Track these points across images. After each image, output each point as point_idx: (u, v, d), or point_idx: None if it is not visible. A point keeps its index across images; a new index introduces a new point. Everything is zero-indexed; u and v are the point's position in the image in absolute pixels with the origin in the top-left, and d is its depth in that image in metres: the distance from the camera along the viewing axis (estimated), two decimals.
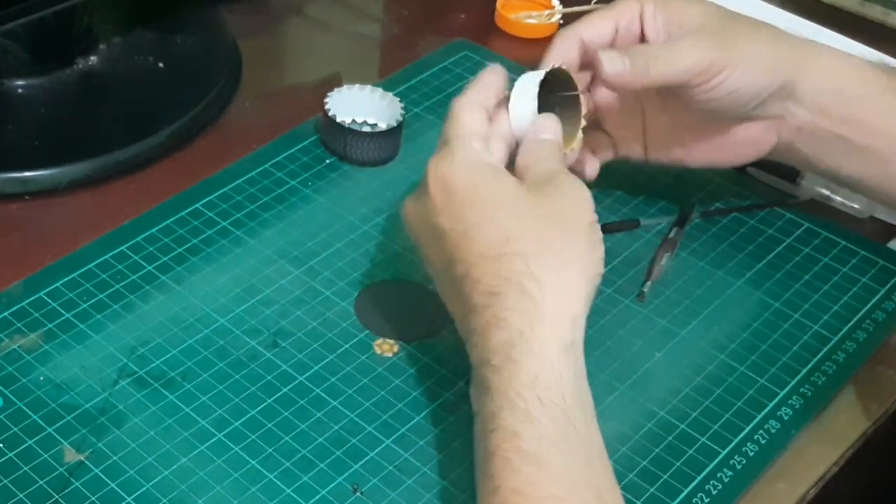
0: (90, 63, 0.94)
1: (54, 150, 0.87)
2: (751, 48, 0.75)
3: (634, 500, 0.68)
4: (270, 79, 1.00)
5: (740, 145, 0.80)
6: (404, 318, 0.78)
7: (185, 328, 0.76)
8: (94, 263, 0.79)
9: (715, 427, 0.73)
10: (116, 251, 0.80)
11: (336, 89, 0.90)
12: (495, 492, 0.61)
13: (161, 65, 0.95)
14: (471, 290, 0.66)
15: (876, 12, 1.10)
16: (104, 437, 0.69)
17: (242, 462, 0.69)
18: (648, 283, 0.81)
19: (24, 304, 0.76)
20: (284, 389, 0.73)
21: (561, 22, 1.04)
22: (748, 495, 0.71)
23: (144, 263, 0.80)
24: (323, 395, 0.73)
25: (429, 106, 0.95)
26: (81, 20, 0.94)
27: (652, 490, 0.69)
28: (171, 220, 0.83)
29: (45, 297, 0.77)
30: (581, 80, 0.77)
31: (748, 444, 0.72)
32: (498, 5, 1.05)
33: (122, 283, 0.78)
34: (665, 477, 0.70)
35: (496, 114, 0.73)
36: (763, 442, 0.73)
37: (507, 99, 0.73)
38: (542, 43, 1.02)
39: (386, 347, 0.76)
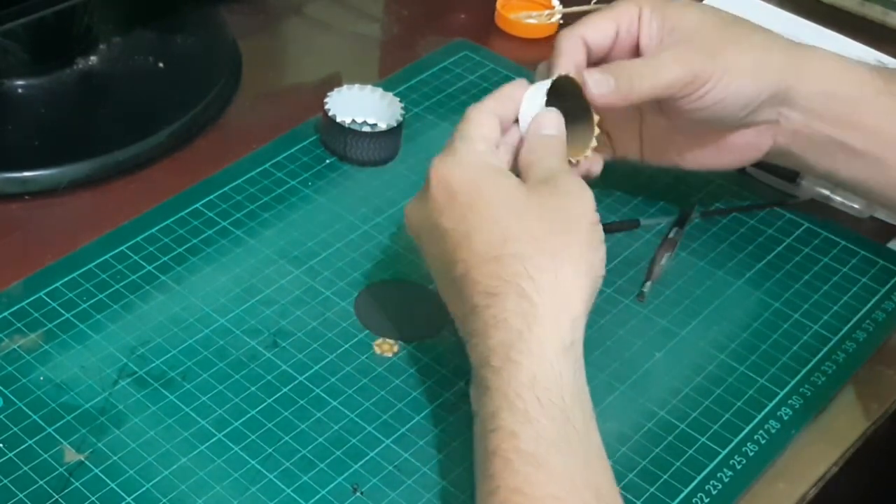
0: (90, 63, 0.94)
1: (54, 150, 0.87)
2: (738, 57, 0.75)
3: (634, 500, 0.68)
4: (270, 79, 1.00)
5: (735, 149, 0.80)
6: (404, 318, 0.78)
7: (185, 328, 0.76)
8: (94, 263, 0.79)
9: (715, 427, 0.73)
10: (116, 251, 0.80)
11: (336, 89, 0.90)
12: (495, 492, 0.61)
13: (161, 65, 0.95)
14: (470, 290, 0.66)
15: (876, 12, 1.10)
16: (104, 437, 0.69)
17: (242, 462, 0.69)
18: (648, 283, 0.81)
19: (24, 304, 0.76)
20: (284, 389, 0.73)
21: (561, 22, 1.04)
22: (748, 495, 0.71)
23: (144, 263, 0.80)
24: (323, 395, 0.73)
25: (429, 106, 0.95)
26: (81, 20, 0.94)
27: (652, 490, 0.69)
28: (171, 220, 0.83)
29: (45, 297, 0.77)
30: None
31: (748, 444, 0.72)
32: (498, 5, 1.05)
33: (122, 283, 0.78)
34: (665, 477, 0.70)
35: (510, 126, 0.73)
36: (763, 442, 0.73)
37: None
38: (542, 43, 1.03)
39: (386, 347, 0.76)
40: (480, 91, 0.96)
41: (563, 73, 0.74)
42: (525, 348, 0.63)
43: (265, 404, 0.72)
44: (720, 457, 0.71)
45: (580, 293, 0.66)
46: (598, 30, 0.77)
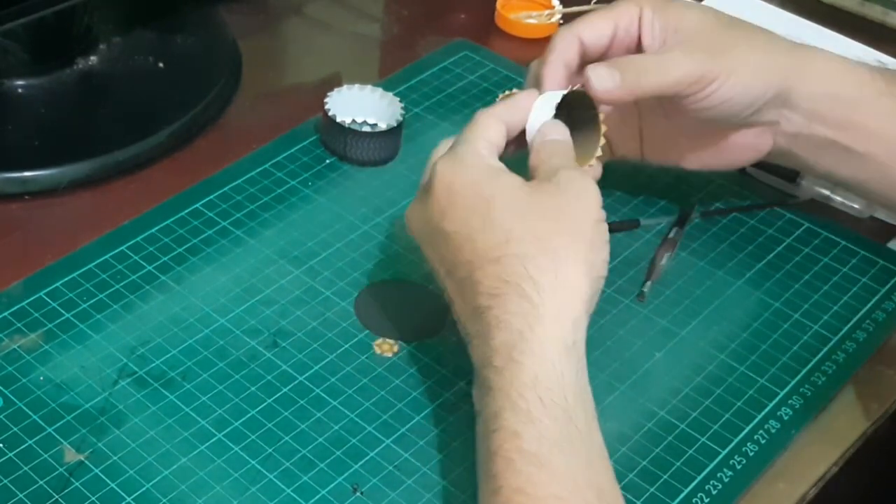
0: (90, 63, 0.94)
1: (54, 150, 0.87)
2: (744, 57, 0.75)
3: (634, 500, 0.68)
4: (270, 79, 1.00)
5: (736, 150, 0.80)
6: (404, 318, 0.78)
7: (185, 328, 0.76)
8: (94, 263, 0.79)
9: (715, 427, 0.73)
10: (116, 251, 0.80)
11: (336, 89, 0.90)
12: (497, 492, 0.61)
13: (161, 65, 0.95)
14: (473, 292, 0.66)
15: (876, 12, 1.10)
16: (104, 437, 0.69)
17: (242, 462, 0.69)
18: (648, 283, 0.81)
19: (24, 304, 0.76)
20: (284, 389, 0.73)
21: (561, 22, 1.04)
22: (748, 495, 0.71)
23: (144, 263, 0.80)
24: (323, 395, 0.73)
25: (429, 106, 0.95)
26: (81, 20, 0.94)
27: (652, 490, 0.69)
28: (171, 220, 0.83)
29: (45, 297, 0.77)
30: (578, 80, 0.77)
31: (748, 444, 0.72)
32: (498, 5, 1.05)
33: (122, 283, 0.78)
34: (665, 477, 0.70)
35: (517, 134, 0.73)
36: (763, 442, 0.73)
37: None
38: (543, 43, 1.02)
39: (386, 347, 0.76)
40: (480, 91, 0.96)
41: (552, 72, 0.74)
42: (527, 348, 0.63)
43: (265, 404, 0.72)
44: (720, 457, 0.71)
45: (581, 293, 0.66)
46: (594, 29, 0.77)
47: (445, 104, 0.95)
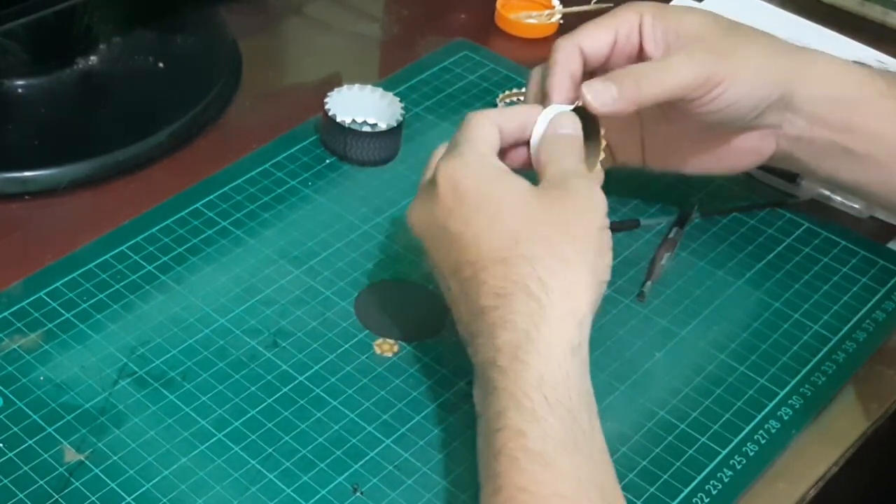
0: (90, 63, 0.94)
1: (54, 150, 0.87)
2: (747, 60, 0.75)
3: (634, 500, 0.68)
4: (270, 79, 1.00)
5: (738, 154, 0.80)
6: (404, 318, 0.78)
7: (185, 328, 0.76)
8: (94, 263, 0.79)
9: (715, 427, 0.73)
10: (116, 251, 0.80)
11: (336, 89, 0.90)
12: (500, 490, 0.61)
13: (161, 65, 0.95)
14: (478, 292, 0.66)
15: (876, 12, 1.10)
16: (104, 437, 0.69)
17: (242, 462, 0.69)
18: (648, 283, 0.81)
19: (24, 304, 0.76)
20: (284, 389, 0.73)
21: (561, 22, 1.04)
22: (748, 495, 0.71)
23: (144, 263, 0.80)
24: (323, 395, 0.73)
25: (429, 106, 0.95)
26: (81, 20, 0.94)
27: (652, 490, 0.69)
28: (171, 220, 0.83)
29: (45, 297, 0.77)
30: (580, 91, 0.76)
31: (748, 444, 0.72)
32: (498, 5, 1.05)
33: (122, 283, 0.78)
34: (665, 477, 0.70)
35: (511, 141, 0.73)
36: (763, 442, 0.73)
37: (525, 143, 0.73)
38: (542, 43, 1.03)
39: (386, 347, 0.76)
40: (481, 91, 0.96)
41: (558, 84, 0.74)
42: (532, 348, 0.63)
43: (265, 404, 0.72)
44: (720, 457, 0.71)
45: (587, 296, 0.66)
46: (594, 38, 0.76)
47: (445, 104, 0.95)
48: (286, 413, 0.72)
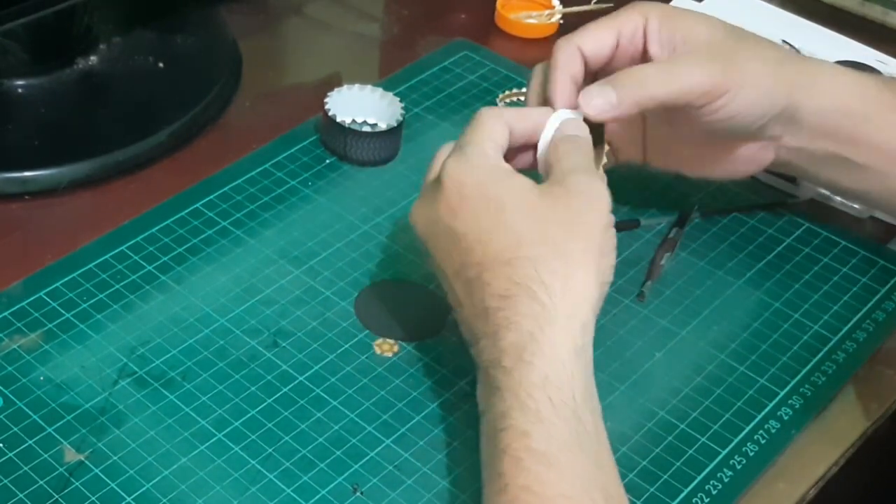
0: (90, 63, 0.94)
1: (54, 150, 0.87)
2: (755, 71, 0.74)
3: (634, 500, 0.68)
4: (270, 79, 1.00)
5: (738, 162, 0.80)
6: (404, 318, 0.78)
7: (185, 328, 0.76)
8: (94, 263, 0.79)
9: (715, 427, 0.73)
10: (116, 251, 0.80)
11: (336, 89, 0.90)
12: (504, 490, 0.61)
13: (161, 65, 0.95)
14: (482, 293, 0.66)
15: (876, 12, 1.10)
16: (104, 437, 0.69)
17: (242, 462, 0.69)
18: (648, 283, 0.81)
19: (24, 304, 0.76)
20: (284, 389, 0.73)
21: (561, 22, 1.04)
22: (748, 495, 0.71)
23: (144, 263, 0.80)
24: (323, 395, 0.73)
25: (429, 106, 0.95)
26: (81, 20, 0.94)
27: (652, 490, 0.69)
28: (171, 220, 0.83)
29: (45, 297, 0.77)
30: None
31: (748, 444, 0.72)
32: (498, 5, 1.05)
33: (122, 283, 0.78)
34: (665, 477, 0.70)
35: (520, 141, 0.72)
36: (763, 442, 0.73)
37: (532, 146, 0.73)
38: (542, 43, 1.03)
39: (386, 347, 0.76)
40: (481, 91, 0.96)
41: (560, 88, 0.74)
42: (537, 350, 0.63)
43: (265, 404, 0.72)
44: (720, 457, 0.71)
45: (590, 298, 0.66)
46: (595, 39, 0.76)
47: (445, 104, 0.95)
48: (286, 413, 0.72)
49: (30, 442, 0.69)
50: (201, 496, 0.67)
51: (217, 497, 0.67)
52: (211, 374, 0.73)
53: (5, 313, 0.76)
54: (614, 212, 0.70)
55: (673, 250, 0.84)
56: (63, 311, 0.76)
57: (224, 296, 0.78)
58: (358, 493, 0.68)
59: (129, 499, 0.66)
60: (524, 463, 0.61)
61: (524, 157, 0.74)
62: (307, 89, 1.00)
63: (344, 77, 0.97)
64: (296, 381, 0.73)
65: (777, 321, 0.80)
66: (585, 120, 0.73)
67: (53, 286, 0.78)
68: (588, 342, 0.65)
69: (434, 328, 0.77)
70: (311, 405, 0.72)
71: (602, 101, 0.72)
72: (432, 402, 0.73)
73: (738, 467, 0.71)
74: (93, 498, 0.66)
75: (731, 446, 0.72)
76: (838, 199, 0.89)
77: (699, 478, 0.70)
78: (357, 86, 0.91)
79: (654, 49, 0.75)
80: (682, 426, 0.73)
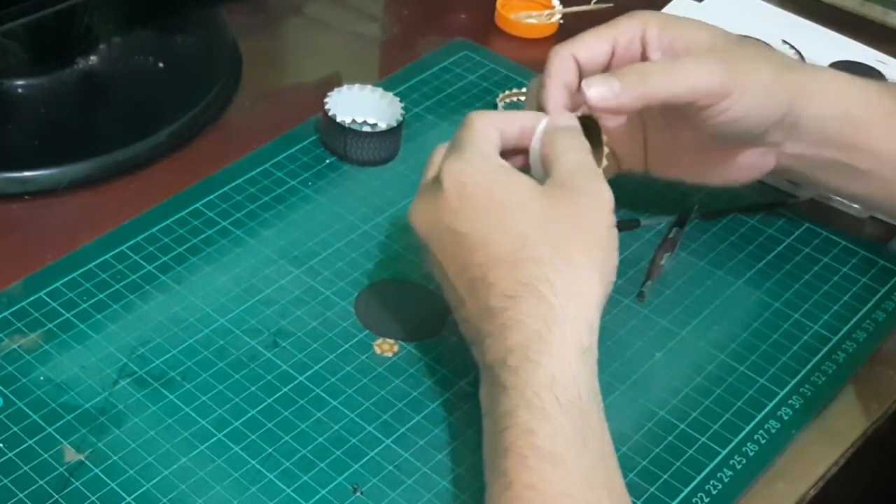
0: (90, 63, 0.94)
1: (54, 150, 0.87)
2: (758, 76, 0.74)
3: (635, 500, 0.68)
4: (270, 79, 1.00)
5: (738, 168, 0.80)
6: (404, 318, 0.78)
7: (185, 328, 0.76)
8: (94, 263, 0.79)
9: (715, 427, 0.73)
10: (116, 251, 0.80)
11: (336, 89, 0.90)
12: (508, 487, 0.61)
13: (161, 65, 0.95)
14: (486, 293, 0.66)
15: (876, 12, 1.10)
16: (104, 437, 0.69)
17: (242, 462, 0.69)
18: (648, 283, 0.81)
19: (24, 304, 0.76)
20: (284, 389, 0.73)
21: (561, 22, 1.04)
22: (748, 495, 0.71)
23: (144, 263, 0.80)
24: (323, 395, 0.73)
25: (429, 106, 0.95)
26: (81, 20, 0.94)
27: (652, 490, 0.69)
28: (171, 220, 0.83)
29: (45, 297, 0.77)
30: (577, 100, 0.75)
31: (748, 444, 0.72)
32: (498, 5, 1.05)
33: (122, 283, 0.78)
34: (665, 477, 0.70)
35: (510, 144, 0.72)
36: (763, 442, 0.73)
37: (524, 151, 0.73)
38: (542, 43, 1.03)
39: (386, 347, 0.76)
40: (481, 91, 0.96)
41: (553, 95, 0.73)
42: (544, 349, 0.63)
43: (265, 404, 0.72)
44: (720, 457, 0.71)
45: (595, 297, 0.66)
46: (590, 48, 0.75)
47: (445, 104, 0.95)
48: (286, 413, 0.72)
49: (30, 442, 0.69)
50: (201, 496, 0.67)
51: (217, 497, 0.67)
52: (211, 373, 0.73)
53: (5, 313, 0.76)
54: (614, 212, 0.70)
55: (673, 250, 0.84)
56: (63, 311, 0.76)
57: (224, 296, 0.78)
58: (358, 493, 0.68)
59: (129, 499, 0.66)
60: (529, 461, 0.61)
61: (515, 161, 0.73)
62: (307, 89, 1.00)
63: (344, 77, 0.97)
64: (296, 381, 0.73)
65: (777, 321, 0.80)
66: (586, 125, 0.73)
67: (53, 286, 0.78)
68: (594, 342, 0.65)
69: (434, 328, 0.77)
70: (311, 405, 0.72)
71: (605, 88, 0.71)
72: (432, 402, 0.73)
73: (738, 467, 0.71)
74: (93, 498, 0.66)
75: (731, 446, 0.72)
76: (838, 199, 0.89)
77: (699, 478, 0.70)
78: (357, 86, 0.91)
79: (654, 56, 0.75)
80: (682, 426, 0.73)
